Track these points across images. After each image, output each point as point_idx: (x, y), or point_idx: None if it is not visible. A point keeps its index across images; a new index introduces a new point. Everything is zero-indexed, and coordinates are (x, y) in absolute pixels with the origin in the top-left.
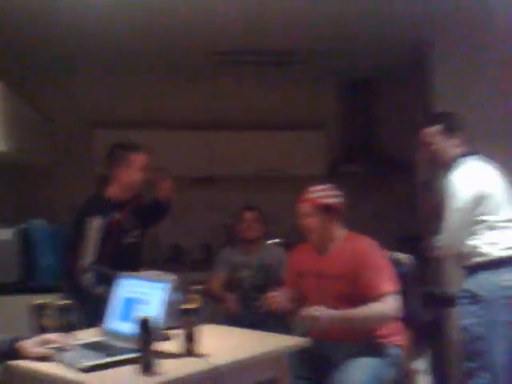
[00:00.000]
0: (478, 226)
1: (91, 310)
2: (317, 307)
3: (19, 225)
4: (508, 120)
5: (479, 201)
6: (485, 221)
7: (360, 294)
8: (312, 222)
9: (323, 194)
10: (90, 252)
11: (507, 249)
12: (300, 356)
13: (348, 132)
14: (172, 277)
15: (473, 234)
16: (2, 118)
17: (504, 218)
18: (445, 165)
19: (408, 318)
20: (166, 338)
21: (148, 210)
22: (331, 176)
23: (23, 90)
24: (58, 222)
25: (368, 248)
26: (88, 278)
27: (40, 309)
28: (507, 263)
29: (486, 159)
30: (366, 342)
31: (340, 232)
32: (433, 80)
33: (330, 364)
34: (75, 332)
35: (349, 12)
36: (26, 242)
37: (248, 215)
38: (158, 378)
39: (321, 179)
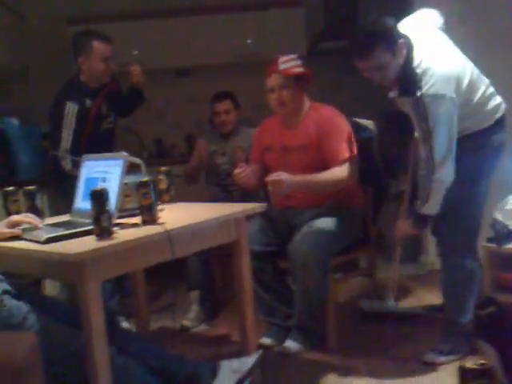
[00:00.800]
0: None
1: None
2: (279, 172)
3: None
4: None
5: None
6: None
7: (323, 163)
8: (284, 94)
9: (292, 63)
10: (67, 137)
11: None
12: (264, 225)
13: (329, 6)
14: (125, 154)
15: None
16: None
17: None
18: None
19: (368, 180)
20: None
21: (125, 99)
22: (312, 55)
23: None
24: (32, 122)
25: (330, 115)
26: (68, 162)
27: (7, 195)
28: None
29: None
30: (326, 205)
31: (306, 102)
32: None
33: (293, 228)
34: (42, 215)
35: None
36: (2, 142)
37: (219, 107)
38: (110, 242)
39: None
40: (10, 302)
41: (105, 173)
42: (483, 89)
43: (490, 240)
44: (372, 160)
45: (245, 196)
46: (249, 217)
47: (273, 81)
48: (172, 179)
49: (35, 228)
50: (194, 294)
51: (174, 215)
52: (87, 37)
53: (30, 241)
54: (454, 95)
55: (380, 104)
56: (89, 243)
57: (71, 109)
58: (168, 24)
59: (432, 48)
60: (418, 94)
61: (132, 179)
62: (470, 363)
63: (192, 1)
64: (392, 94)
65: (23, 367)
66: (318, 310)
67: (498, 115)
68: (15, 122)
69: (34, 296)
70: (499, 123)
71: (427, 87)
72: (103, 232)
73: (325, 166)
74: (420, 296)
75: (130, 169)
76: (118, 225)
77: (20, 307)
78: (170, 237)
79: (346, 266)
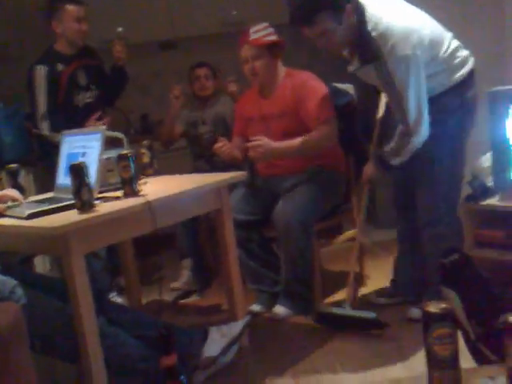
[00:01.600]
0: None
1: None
2: (259, 137)
3: None
4: None
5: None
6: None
7: (303, 128)
8: (257, 64)
9: (264, 32)
10: (41, 101)
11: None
12: (248, 194)
13: None
14: (103, 127)
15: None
16: None
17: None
18: (351, 43)
19: (350, 145)
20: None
21: (108, 77)
22: (296, 23)
23: None
24: (15, 102)
25: (307, 80)
26: (46, 127)
27: None
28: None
29: None
30: (308, 171)
31: (281, 70)
32: None
33: (276, 196)
34: (25, 192)
35: None
36: None
37: (199, 72)
38: (91, 215)
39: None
40: None
41: (84, 147)
42: (447, 43)
43: (467, 198)
44: (352, 124)
45: (229, 168)
46: (233, 187)
47: (245, 51)
48: (154, 153)
49: (18, 204)
50: (186, 262)
51: (156, 187)
52: (59, 1)
53: (13, 217)
54: (418, 52)
55: None
56: (71, 217)
57: (41, 71)
58: None
59: (385, 8)
60: (380, 59)
61: (114, 154)
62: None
63: None
64: (351, 68)
65: (6, 337)
66: (304, 275)
67: (468, 69)
68: None
69: (23, 272)
70: (471, 77)
71: (388, 50)
72: (84, 205)
73: (305, 131)
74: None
75: (113, 144)
76: (99, 198)
77: (6, 281)
78: (150, 207)
79: (330, 230)
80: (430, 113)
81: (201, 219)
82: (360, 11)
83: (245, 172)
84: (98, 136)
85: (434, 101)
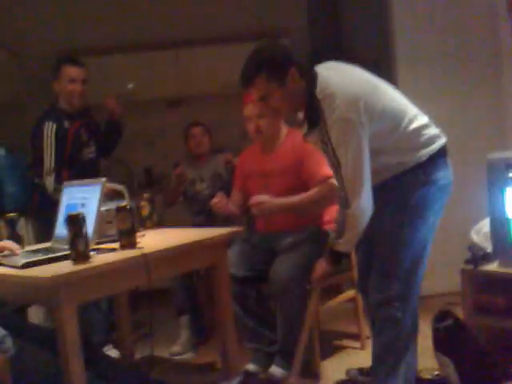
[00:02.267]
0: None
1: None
2: (261, 195)
3: None
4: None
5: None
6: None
7: (303, 185)
8: (261, 122)
9: None
10: (49, 156)
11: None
12: (246, 250)
13: (314, 36)
14: (103, 179)
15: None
16: None
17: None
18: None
19: None
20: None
21: (104, 133)
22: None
23: None
24: (19, 151)
25: None
26: (51, 182)
27: None
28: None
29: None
30: (307, 230)
31: (284, 129)
32: None
33: (275, 253)
34: (23, 242)
35: None
36: None
37: (194, 130)
38: (84, 266)
39: None
40: None
41: (84, 199)
42: (410, 118)
43: (467, 262)
44: None
45: (228, 223)
46: (231, 242)
47: (249, 110)
48: (154, 206)
49: (14, 254)
50: (184, 320)
51: (154, 240)
52: (59, 62)
53: (8, 266)
54: (363, 119)
55: None
56: (64, 267)
57: (50, 127)
58: (158, 56)
59: (338, 75)
60: (323, 121)
61: (114, 206)
62: (426, 374)
63: (180, 34)
64: (306, 136)
65: None
66: (301, 335)
67: (436, 147)
68: (1, 151)
69: (15, 322)
70: (439, 157)
71: (330, 110)
72: (79, 256)
73: (306, 189)
74: None
75: (114, 196)
76: (95, 250)
77: None
78: (146, 260)
79: (329, 290)
80: (391, 191)
81: (200, 275)
82: (312, 76)
83: (242, 227)
84: (98, 187)
85: (395, 179)
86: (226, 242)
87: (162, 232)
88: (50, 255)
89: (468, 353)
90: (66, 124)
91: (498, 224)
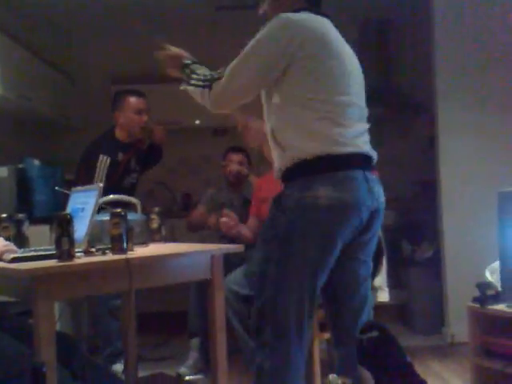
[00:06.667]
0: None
1: None
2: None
3: (15, 164)
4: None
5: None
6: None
7: None
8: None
9: None
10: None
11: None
12: (251, 269)
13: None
14: (100, 185)
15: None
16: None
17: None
18: None
19: None
20: None
21: (145, 154)
22: None
23: (46, 54)
24: (54, 164)
25: None
26: None
27: None
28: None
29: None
30: None
31: None
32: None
33: None
34: (27, 242)
35: None
36: (22, 179)
37: (233, 157)
38: (64, 263)
39: None
40: None
41: (84, 203)
42: (348, 100)
43: (474, 300)
44: None
45: (251, 247)
46: (242, 261)
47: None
48: (163, 220)
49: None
50: (195, 342)
51: (151, 250)
52: (123, 93)
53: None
54: (296, 46)
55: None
56: (46, 263)
57: (104, 161)
58: None
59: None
60: None
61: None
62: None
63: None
64: None
65: None
66: None
67: (337, 150)
68: (36, 162)
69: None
70: (342, 164)
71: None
72: (63, 254)
73: None
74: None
75: (127, 208)
76: (86, 252)
77: None
78: (128, 265)
79: None
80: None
81: None
82: (297, 10)
83: (241, 245)
84: (94, 193)
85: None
86: (220, 259)
87: (167, 246)
88: (40, 253)
89: (393, 369)
90: (120, 156)
91: (508, 260)
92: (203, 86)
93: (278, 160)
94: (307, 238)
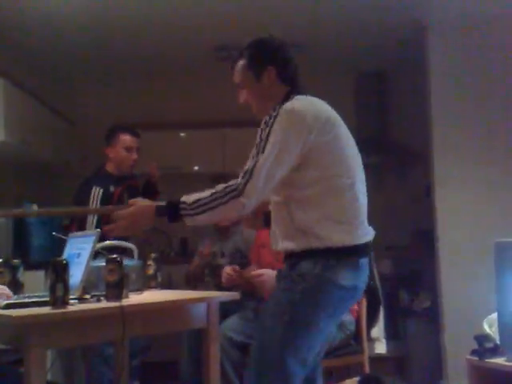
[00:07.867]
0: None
1: None
2: (264, 270)
3: (13, 208)
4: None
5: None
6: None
7: None
8: None
9: None
10: (92, 219)
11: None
12: (249, 316)
13: (360, 124)
14: (98, 230)
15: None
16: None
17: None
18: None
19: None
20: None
21: (142, 193)
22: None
23: (48, 99)
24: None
25: None
26: None
27: None
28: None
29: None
30: None
31: None
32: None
33: None
34: (22, 288)
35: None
36: (19, 224)
37: None
38: (58, 310)
39: None
40: None
41: (81, 249)
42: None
43: (473, 353)
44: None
45: (250, 296)
46: (240, 308)
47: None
48: (160, 266)
49: (8, 298)
50: None
51: (146, 298)
52: (116, 129)
53: None
54: (318, 125)
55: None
56: (39, 310)
57: (97, 192)
58: (204, 134)
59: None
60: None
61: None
62: None
63: (224, 115)
64: None
65: None
66: None
67: (359, 240)
68: (34, 207)
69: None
70: (346, 256)
71: (286, 105)
72: (56, 301)
73: None
74: None
75: (124, 254)
76: (80, 299)
77: None
78: (122, 313)
79: (336, 371)
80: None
81: None
82: (289, 94)
83: (237, 293)
84: (92, 238)
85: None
86: (216, 307)
87: (162, 293)
88: (34, 299)
89: None
90: (112, 188)
91: (506, 313)
92: (220, 204)
93: (290, 239)
94: (319, 308)
